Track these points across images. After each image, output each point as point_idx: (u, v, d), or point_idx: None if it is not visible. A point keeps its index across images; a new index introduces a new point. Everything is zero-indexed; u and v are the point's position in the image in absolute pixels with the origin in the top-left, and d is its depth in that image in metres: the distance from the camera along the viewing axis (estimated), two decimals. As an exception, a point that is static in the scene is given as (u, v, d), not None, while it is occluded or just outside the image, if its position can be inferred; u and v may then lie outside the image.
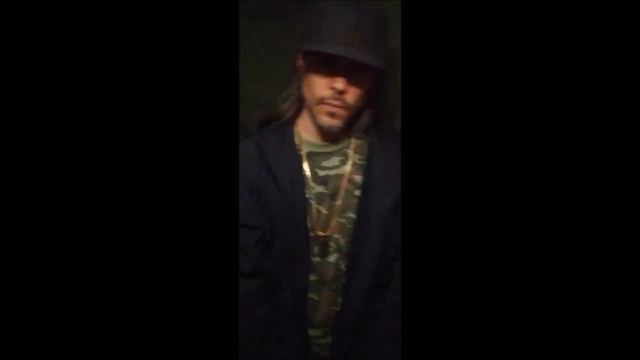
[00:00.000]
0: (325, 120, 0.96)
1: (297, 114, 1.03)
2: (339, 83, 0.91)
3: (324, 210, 0.99)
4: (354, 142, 1.03)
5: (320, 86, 0.93)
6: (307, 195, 0.99)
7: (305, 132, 1.03)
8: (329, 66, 0.92)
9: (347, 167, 1.01)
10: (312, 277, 0.99)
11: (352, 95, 0.94)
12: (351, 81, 0.92)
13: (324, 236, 0.99)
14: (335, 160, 1.02)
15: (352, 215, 0.99)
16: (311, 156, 1.02)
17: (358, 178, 1.01)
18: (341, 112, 0.95)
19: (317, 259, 0.99)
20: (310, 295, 1.00)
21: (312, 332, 1.01)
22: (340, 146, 1.03)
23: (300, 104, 1.01)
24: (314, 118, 0.98)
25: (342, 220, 0.99)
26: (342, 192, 1.00)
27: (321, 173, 1.01)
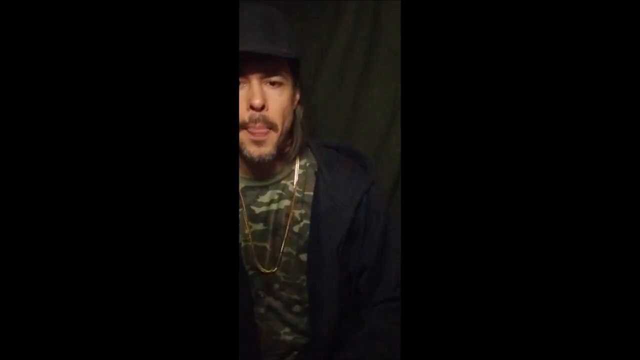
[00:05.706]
0: (253, 151, 0.87)
1: None
2: (256, 98, 0.84)
3: (268, 247, 0.94)
4: (294, 172, 0.96)
5: (240, 110, 0.85)
6: (241, 236, 0.92)
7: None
8: (243, 76, 0.85)
9: (287, 201, 0.94)
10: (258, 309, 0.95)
11: (273, 111, 0.86)
12: (267, 94, 0.86)
13: (267, 273, 0.94)
14: (273, 194, 0.94)
15: (293, 251, 0.95)
16: (245, 191, 0.94)
17: (299, 213, 0.94)
18: (268, 137, 0.86)
19: (262, 294, 0.95)
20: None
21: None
22: (277, 178, 0.95)
23: None
24: (241, 151, 0.88)
25: (286, 258, 0.94)
26: (282, 229, 0.94)
27: (257, 210, 0.93)
